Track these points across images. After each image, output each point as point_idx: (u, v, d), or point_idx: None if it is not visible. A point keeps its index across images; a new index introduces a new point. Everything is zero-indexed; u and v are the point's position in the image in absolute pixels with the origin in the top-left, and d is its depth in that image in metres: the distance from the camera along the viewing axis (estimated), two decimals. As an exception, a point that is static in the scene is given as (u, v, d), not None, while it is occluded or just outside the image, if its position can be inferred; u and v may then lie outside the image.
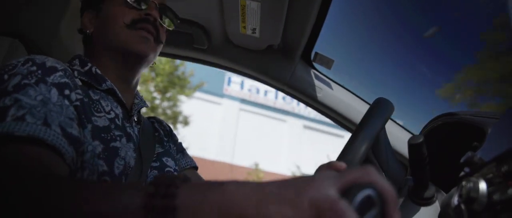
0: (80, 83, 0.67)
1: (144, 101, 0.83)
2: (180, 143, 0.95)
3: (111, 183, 0.41)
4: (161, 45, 0.82)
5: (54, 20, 1.00)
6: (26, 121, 0.50)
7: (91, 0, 0.81)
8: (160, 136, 0.86)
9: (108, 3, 0.78)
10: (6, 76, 0.56)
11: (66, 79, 0.61)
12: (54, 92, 0.58)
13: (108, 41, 0.76)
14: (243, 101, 14.27)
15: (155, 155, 0.79)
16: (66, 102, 0.59)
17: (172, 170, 0.80)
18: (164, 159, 0.80)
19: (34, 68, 0.58)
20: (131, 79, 0.79)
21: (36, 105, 0.53)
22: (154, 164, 0.77)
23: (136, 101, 0.81)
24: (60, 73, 0.61)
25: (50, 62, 0.62)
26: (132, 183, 0.40)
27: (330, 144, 12.61)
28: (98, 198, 0.37)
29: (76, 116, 0.60)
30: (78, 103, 0.62)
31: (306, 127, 14.97)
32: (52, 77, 0.59)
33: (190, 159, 0.94)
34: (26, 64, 0.59)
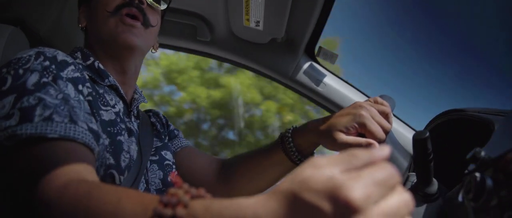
0: (87, 76, 0.67)
1: (143, 97, 0.83)
2: (172, 130, 0.93)
3: (121, 192, 0.40)
4: (153, 29, 0.78)
5: (56, 9, 0.99)
6: (55, 120, 0.50)
7: None
8: (157, 129, 0.86)
9: None
10: (21, 71, 0.56)
11: (78, 74, 0.62)
12: (71, 87, 0.58)
13: (97, 34, 0.74)
14: None
15: (153, 149, 0.79)
16: (81, 97, 0.59)
17: (170, 163, 0.81)
18: (162, 153, 0.81)
19: (47, 63, 0.58)
20: (128, 70, 0.77)
21: (59, 104, 0.53)
22: (153, 158, 0.77)
23: (135, 96, 0.80)
24: (72, 67, 0.62)
25: (60, 56, 0.62)
26: (139, 196, 0.38)
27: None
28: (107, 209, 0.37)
29: (90, 111, 0.61)
30: (90, 98, 0.62)
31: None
32: (65, 71, 0.59)
33: (181, 141, 0.91)
34: (38, 59, 0.58)
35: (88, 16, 0.78)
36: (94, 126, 0.57)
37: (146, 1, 0.76)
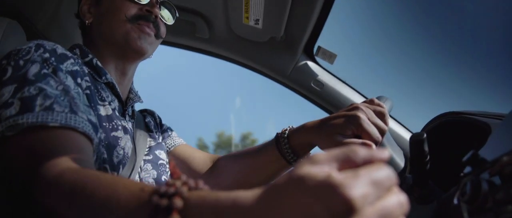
0: (87, 71, 0.68)
1: (139, 96, 0.84)
2: (166, 129, 0.94)
3: (118, 181, 0.40)
4: (161, 40, 0.83)
5: (54, 3, 0.99)
6: (55, 110, 0.51)
7: None
8: (151, 129, 0.87)
9: None
10: (21, 62, 0.56)
11: (77, 67, 0.63)
12: (70, 80, 0.59)
13: (108, 34, 0.76)
14: None
15: (147, 148, 0.79)
16: (80, 90, 0.61)
17: (164, 162, 0.81)
18: (156, 152, 0.81)
19: (47, 55, 0.59)
20: (128, 72, 0.80)
21: (59, 95, 0.54)
22: (147, 157, 0.78)
23: (131, 96, 0.81)
24: (72, 60, 0.63)
25: (60, 49, 0.63)
26: (136, 186, 0.38)
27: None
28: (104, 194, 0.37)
29: (88, 104, 0.62)
30: (88, 91, 0.63)
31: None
32: (65, 64, 0.61)
33: (174, 140, 0.93)
34: (38, 50, 0.59)
35: (96, 14, 0.79)
36: (93, 118, 0.58)
37: (160, 16, 0.81)
